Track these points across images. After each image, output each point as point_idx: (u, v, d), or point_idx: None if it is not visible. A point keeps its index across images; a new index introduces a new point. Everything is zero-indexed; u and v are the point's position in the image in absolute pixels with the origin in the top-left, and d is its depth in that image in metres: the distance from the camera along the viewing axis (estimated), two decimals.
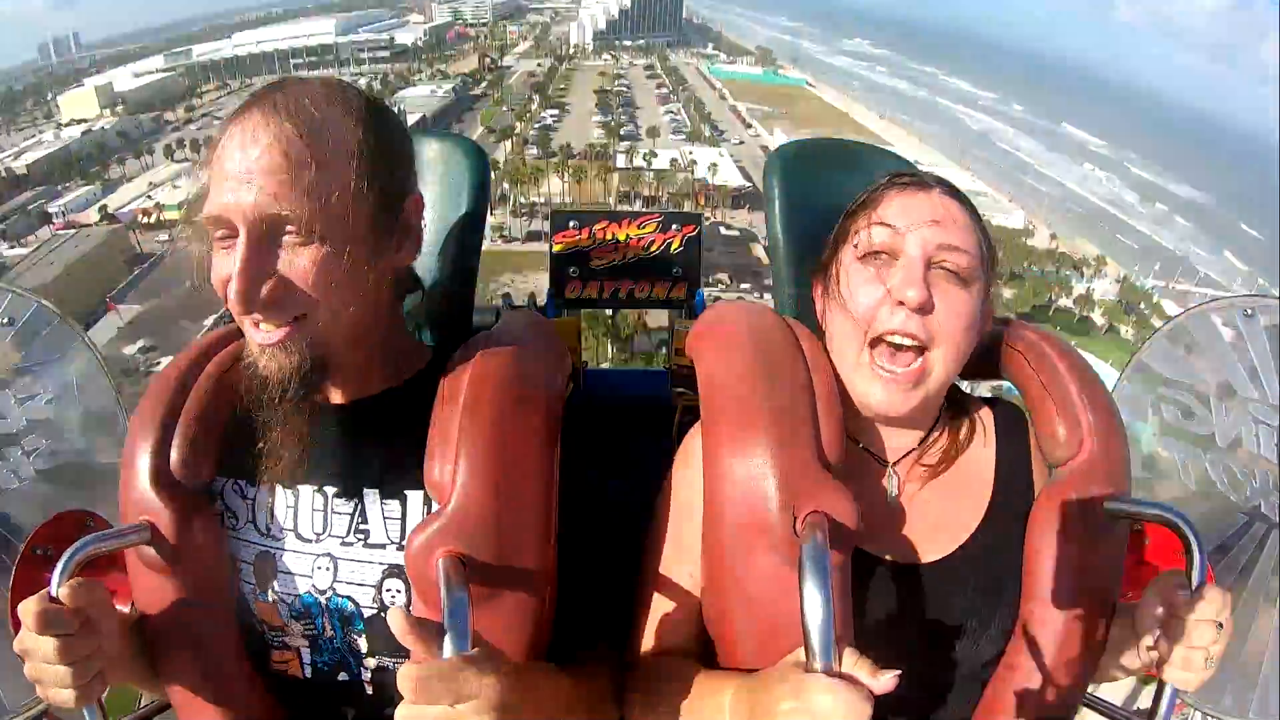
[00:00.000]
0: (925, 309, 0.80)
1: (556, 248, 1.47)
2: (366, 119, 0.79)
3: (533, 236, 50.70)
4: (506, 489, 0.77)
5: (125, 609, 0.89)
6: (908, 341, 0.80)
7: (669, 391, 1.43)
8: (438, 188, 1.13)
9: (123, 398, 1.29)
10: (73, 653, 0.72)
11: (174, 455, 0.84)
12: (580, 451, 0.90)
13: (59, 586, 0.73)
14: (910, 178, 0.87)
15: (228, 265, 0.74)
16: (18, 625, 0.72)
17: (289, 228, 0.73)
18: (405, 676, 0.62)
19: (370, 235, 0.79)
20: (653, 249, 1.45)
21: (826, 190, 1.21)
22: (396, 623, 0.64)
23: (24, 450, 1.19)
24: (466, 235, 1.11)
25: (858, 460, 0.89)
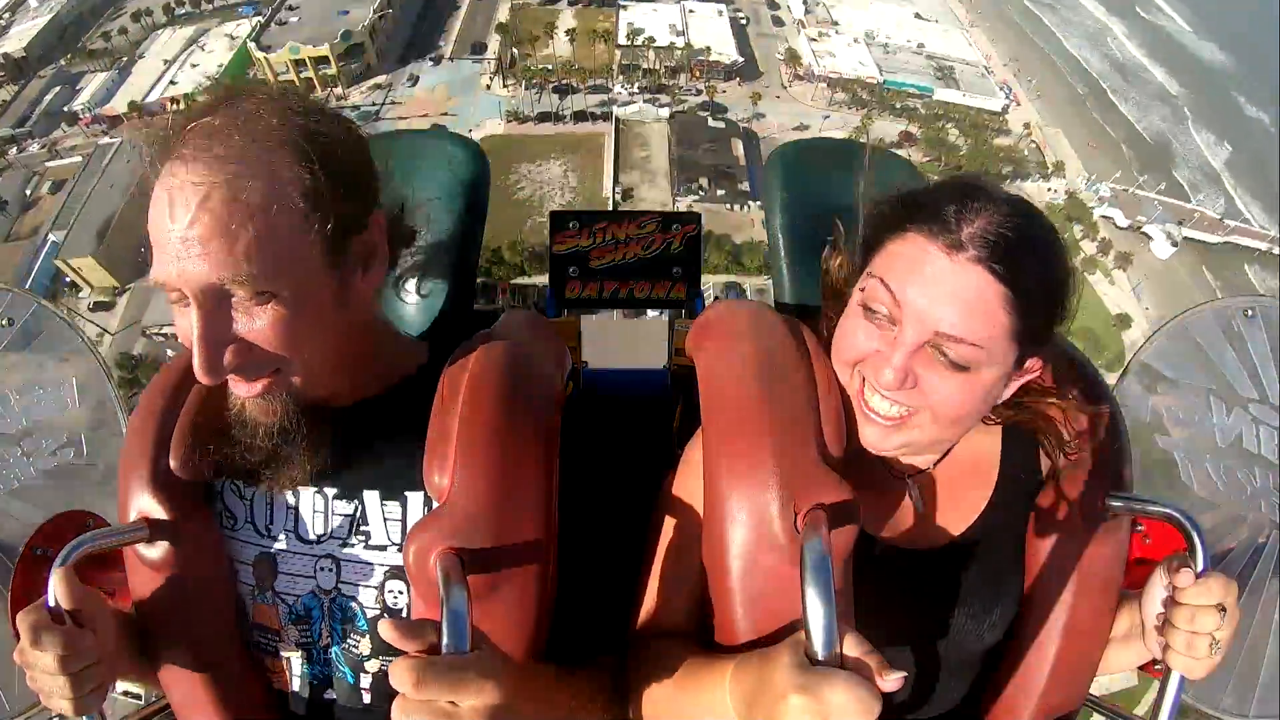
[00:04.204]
0: (909, 386, 0.75)
1: (557, 248, 1.47)
2: (309, 145, 0.72)
3: (544, 117, 47.39)
4: (505, 488, 0.77)
5: (126, 608, 0.89)
6: (888, 407, 0.77)
7: (669, 391, 1.43)
8: (438, 188, 1.13)
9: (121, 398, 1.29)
10: (70, 665, 0.71)
11: (172, 455, 0.84)
12: (580, 451, 0.90)
13: (56, 586, 0.73)
14: (937, 223, 0.73)
15: (187, 326, 0.72)
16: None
17: (237, 292, 0.70)
18: (401, 670, 0.60)
19: (329, 273, 0.75)
20: (653, 249, 1.45)
21: (826, 190, 1.21)
22: (388, 632, 0.63)
23: (24, 451, 1.19)
24: (466, 235, 1.11)
25: (874, 469, 0.90)
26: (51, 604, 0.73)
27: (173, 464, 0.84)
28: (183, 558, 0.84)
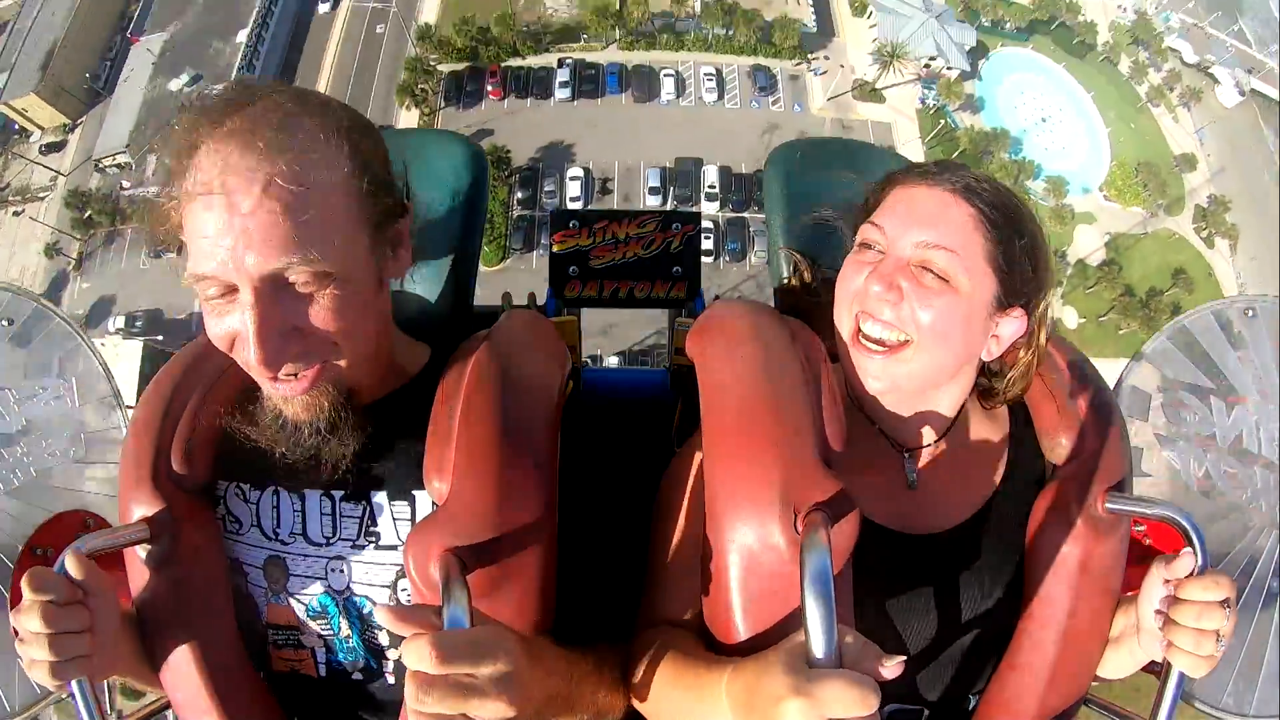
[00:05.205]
0: (894, 300, 0.82)
1: (556, 247, 1.46)
2: (354, 139, 0.74)
3: None
4: (505, 488, 0.77)
5: (126, 608, 0.89)
6: (880, 330, 0.83)
7: (668, 391, 1.43)
8: (437, 188, 1.13)
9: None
10: (56, 622, 0.71)
11: (173, 456, 0.84)
12: (580, 451, 0.90)
13: (67, 562, 0.73)
14: (918, 171, 0.87)
15: (231, 323, 0.70)
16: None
17: (297, 278, 0.69)
18: (420, 646, 0.60)
19: (373, 260, 0.77)
20: (653, 248, 1.45)
21: (827, 190, 1.21)
22: (385, 617, 0.63)
23: (24, 451, 1.19)
24: (466, 235, 1.11)
25: (875, 444, 0.91)
26: (58, 569, 0.73)
27: (173, 466, 0.84)
28: (183, 559, 0.83)
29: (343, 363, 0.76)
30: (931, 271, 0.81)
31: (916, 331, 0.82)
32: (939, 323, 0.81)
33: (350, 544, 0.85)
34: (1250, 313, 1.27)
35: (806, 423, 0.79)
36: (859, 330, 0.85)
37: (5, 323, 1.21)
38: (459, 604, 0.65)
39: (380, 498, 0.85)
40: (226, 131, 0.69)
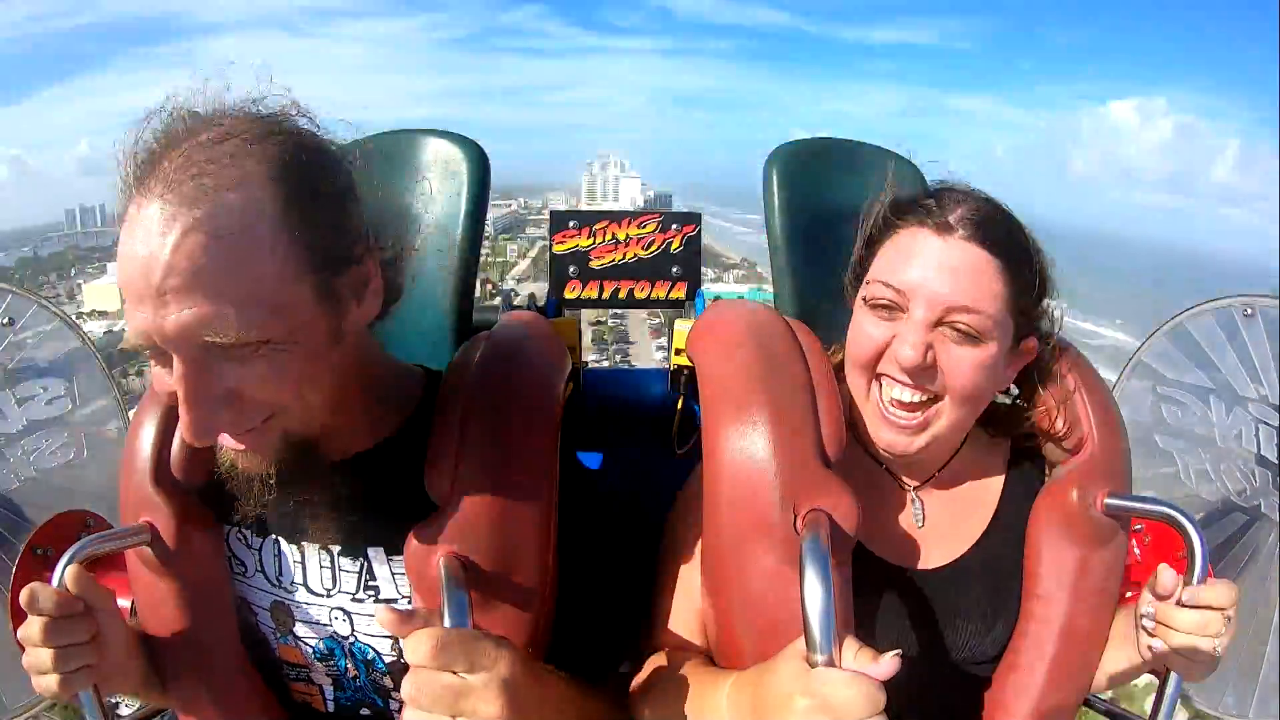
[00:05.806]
0: (928, 365, 0.78)
1: (556, 248, 1.47)
2: (288, 175, 0.66)
3: None
4: (507, 490, 0.77)
5: (125, 607, 0.89)
6: (910, 395, 0.80)
7: (669, 391, 1.43)
8: (438, 188, 1.13)
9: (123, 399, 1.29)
10: (60, 636, 0.71)
11: (174, 457, 0.84)
12: (580, 452, 0.90)
13: (64, 575, 0.73)
14: (923, 212, 0.82)
15: (168, 381, 0.66)
16: (18, 625, 0.73)
17: (225, 343, 0.64)
18: (418, 638, 0.60)
19: (321, 310, 0.69)
20: (653, 249, 1.45)
21: (826, 190, 1.21)
22: (387, 620, 0.63)
23: (24, 450, 1.19)
24: (466, 236, 1.11)
25: (878, 477, 0.91)
26: (56, 584, 0.73)
27: (174, 467, 0.83)
28: (184, 560, 0.83)
29: (288, 421, 0.71)
30: (958, 330, 0.78)
31: (946, 390, 0.80)
32: (971, 383, 0.79)
33: (350, 596, 0.84)
34: (1249, 312, 1.27)
35: (807, 424, 0.79)
36: (882, 399, 0.82)
37: (5, 322, 1.21)
38: (460, 606, 0.66)
39: (377, 554, 0.83)
40: (153, 173, 0.63)
